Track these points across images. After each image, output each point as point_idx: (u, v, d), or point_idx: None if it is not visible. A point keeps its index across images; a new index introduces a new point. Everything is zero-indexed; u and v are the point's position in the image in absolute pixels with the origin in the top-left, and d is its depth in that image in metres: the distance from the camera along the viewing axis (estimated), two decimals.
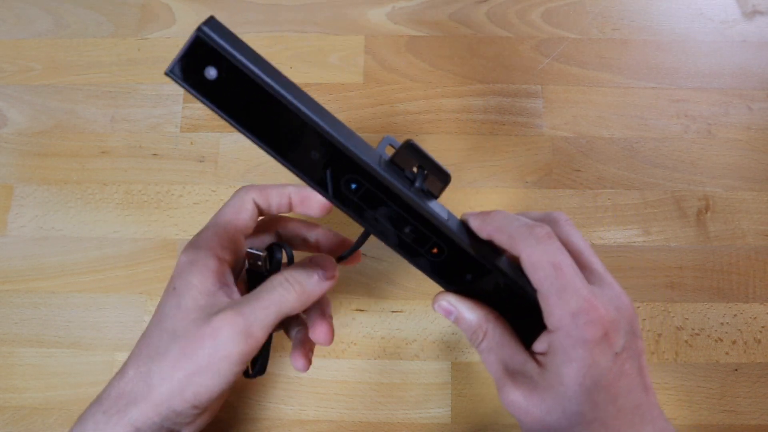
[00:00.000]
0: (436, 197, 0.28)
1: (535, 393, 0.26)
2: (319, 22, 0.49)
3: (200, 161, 0.45)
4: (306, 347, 0.33)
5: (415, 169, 0.28)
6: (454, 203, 0.44)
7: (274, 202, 0.32)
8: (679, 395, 0.40)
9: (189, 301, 0.28)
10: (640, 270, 0.42)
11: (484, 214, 0.29)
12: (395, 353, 0.41)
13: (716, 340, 0.41)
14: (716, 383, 0.40)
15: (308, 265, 0.30)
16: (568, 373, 0.25)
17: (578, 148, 0.45)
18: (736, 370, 0.40)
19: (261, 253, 0.32)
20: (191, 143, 0.46)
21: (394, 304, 0.42)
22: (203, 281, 0.29)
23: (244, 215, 0.32)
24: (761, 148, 0.45)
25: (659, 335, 0.41)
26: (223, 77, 0.23)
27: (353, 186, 0.26)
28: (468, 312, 0.29)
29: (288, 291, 0.29)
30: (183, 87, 0.24)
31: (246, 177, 0.45)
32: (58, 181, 0.45)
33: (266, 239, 0.34)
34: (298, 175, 0.26)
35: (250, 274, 0.33)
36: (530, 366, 0.27)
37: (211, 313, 0.28)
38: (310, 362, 0.33)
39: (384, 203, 0.27)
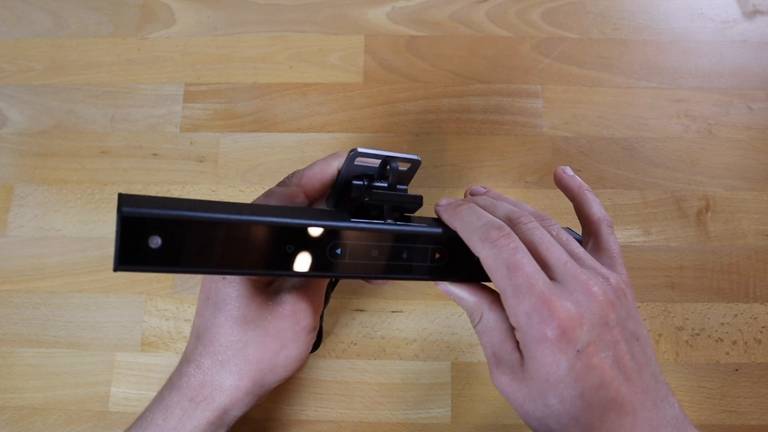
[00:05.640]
0: (410, 217, 0.30)
1: (515, 381, 0.27)
2: (319, 22, 0.49)
3: (200, 161, 0.45)
4: None
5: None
6: None
7: (326, 183, 0.33)
8: (680, 395, 0.39)
9: (247, 288, 0.30)
10: (641, 270, 0.42)
11: (452, 208, 0.29)
12: (395, 353, 0.41)
13: (716, 341, 0.41)
14: (717, 383, 0.40)
15: None
16: (534, 368, 0.25)
17: (578, 148, 0.45)
18: (736, 370, 0.40)
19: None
20: (191, 143, 0.46)
21: (394, 304, 0.42)
22: None
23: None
24: (761, 148, 0.45)
25: (659, 335, 0.41)
26: (167, 238, 0.23)
27: (338, 251, 0.26)
28: (464, 294, 0.30)
29: None
30: (139, 271, 0.23)
31: (246, 177, 0.45)
32: (58, 181, 0.45)
33: None
34: (290, 275, 0.26)
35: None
36: (513, 356, 0.27)
37: (275, 294, 0.30)
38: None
39: (372, 247, 0.27)
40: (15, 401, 0.41)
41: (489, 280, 0.28)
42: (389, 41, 0.48)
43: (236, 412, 0.31)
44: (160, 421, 0.30)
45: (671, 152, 0.45)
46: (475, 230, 0.27)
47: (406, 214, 0.30)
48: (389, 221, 0.28)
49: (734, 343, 0.41)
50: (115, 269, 0.22)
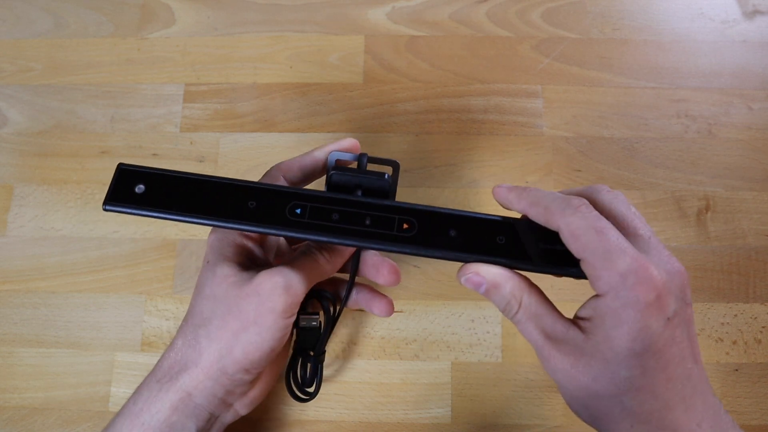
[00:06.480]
0: (387, 196, 0.31)
1: (581, 359, 0.25)
2: (319, 22, 0.49)
3: (200, 161, 0.45)
4: (379, 294, 0.36)
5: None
6: (454, 204, 0.44)
7: (307, 170, 0.33)
8: None
9: (224, 269, 0.30)
10: None
11: (519, 189, 0.28)
12: (395, 353, 0.41)
13: (717, 340, 0.41)
14: (717, 383, 0.40)
15: None
16: (618, 336, 0.24)
17: (578, 148, 0.45)
18: (736, 370, 0.40)
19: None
20: (191, 143, 0.46)
21: (394, 304, 0.42)
22: (235, 253, 0.31)
23: None
24: (761, 148, 0.45)
25: None
26: (149, 186, 0.29)
27: (298, 211, 0.29)
28: (500, 280, 0.27)
29: (318, 254, 0.31)
30: (123, 211, 0.29)
31: (246, 177, 0.44)
32: (58, 181, 0.45)
33: None
34: (256, 231, 0.29)
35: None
36: (573, 333, 0.26)
37: (250, 275, 0.30)
38: (391, 304, 0.36)
39: (334, 210, 0.29)
40: (15, 401, 0.41)
41: (464, 260, 0.28)
42: (389, 41, 0.48)
43: (201, 401, 0.30)
44: (131, 405, 0.30)
45: (671, 152, 0.45)
46: (552, 201, 0.26)
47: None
48: (358, 194, 0.30)
49: (734, 343, 0.41)
50: (105, 208, 0.28)
